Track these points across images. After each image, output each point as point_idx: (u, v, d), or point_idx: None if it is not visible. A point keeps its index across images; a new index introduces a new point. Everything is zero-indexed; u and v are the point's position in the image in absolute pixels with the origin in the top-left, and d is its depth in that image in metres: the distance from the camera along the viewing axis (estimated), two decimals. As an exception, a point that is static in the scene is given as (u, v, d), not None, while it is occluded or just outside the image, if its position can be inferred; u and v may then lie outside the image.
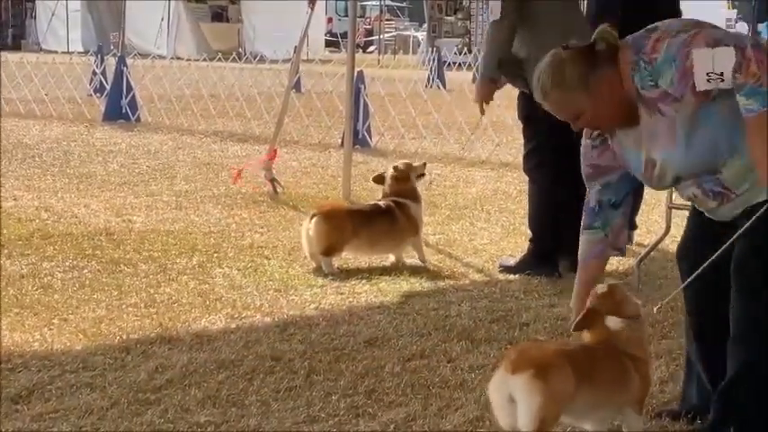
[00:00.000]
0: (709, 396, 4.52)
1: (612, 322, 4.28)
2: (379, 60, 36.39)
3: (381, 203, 7.62)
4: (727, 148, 4.07)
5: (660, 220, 8.17)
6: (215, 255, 7.71)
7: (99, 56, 20.18)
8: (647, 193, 8.11)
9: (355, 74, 11.39)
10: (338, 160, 11.89)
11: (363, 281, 7.07)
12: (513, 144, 13.90)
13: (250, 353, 5.48)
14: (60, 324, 5.93)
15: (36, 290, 6.62)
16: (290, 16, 33.37)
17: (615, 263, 7.79)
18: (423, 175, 7.87)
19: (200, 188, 10.59)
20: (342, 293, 6.79)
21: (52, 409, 4.66)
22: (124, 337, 5.73)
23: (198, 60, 25.03)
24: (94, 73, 19.88)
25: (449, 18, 42.29)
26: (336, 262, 7.38)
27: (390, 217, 7.47)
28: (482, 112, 7.44)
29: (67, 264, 7.28)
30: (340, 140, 13.01)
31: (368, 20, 49.87)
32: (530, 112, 7.14)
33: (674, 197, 7.02)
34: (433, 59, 25.96)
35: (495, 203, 10.16)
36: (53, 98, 17.85)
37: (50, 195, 9.94)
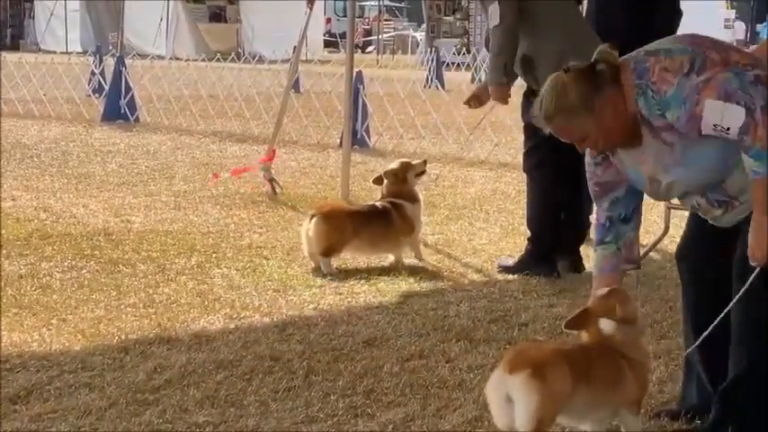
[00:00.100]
0: (708, 396, 4.52)
1: (605, 325, 4.29)
2: (377, 60, 36.39)
3: (378, 204, 7.62)
4: (732, 162, 4.07)
5: (659, 221, 8.17)
6: (214, 255, 7.70)
7: (97, 56, 20.18)
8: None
9: (354, 74, 11.39)
10: (337, 160, 11.89)
11: (362, 281, 7.07)
12: (512, 144, 13.90)
13: (249, 353, 5.48)
14: (59, 324, 5.93)
15: (35, 290, 6.61)
16: (288, 16, 33.39)
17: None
18: (423, 172, 7.86)
19: (198, 188, 10.58)
20: (340, 294, 6.79)
21: (51, 410, 4.66)
22: (123, 337, 5.73)
23: (196, 61, 25.03)
24: (93, 73, 19.86)
25: (447, 18, 42.32)
26: (335, 262, 7.38)
27: (387, 218, 7.48)
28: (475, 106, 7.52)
29: (66, 264, 7.28)
30: (339, 140, 13.01)
31: (366, 20, 49.88)
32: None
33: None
34: (432, 60, 25.95)
35: (493, 203, 10.16)
36: (51, 98, 17.85)
37: (49, 195, 9.94)
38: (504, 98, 7.45)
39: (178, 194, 10.20)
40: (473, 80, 25.64)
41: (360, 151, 13.37)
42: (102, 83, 18.37)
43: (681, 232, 4.76)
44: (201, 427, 4.54)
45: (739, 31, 42.88)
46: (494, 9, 7.14)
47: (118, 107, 16.61)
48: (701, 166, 4.11)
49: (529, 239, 7.56)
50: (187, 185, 10.74)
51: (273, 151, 10.72)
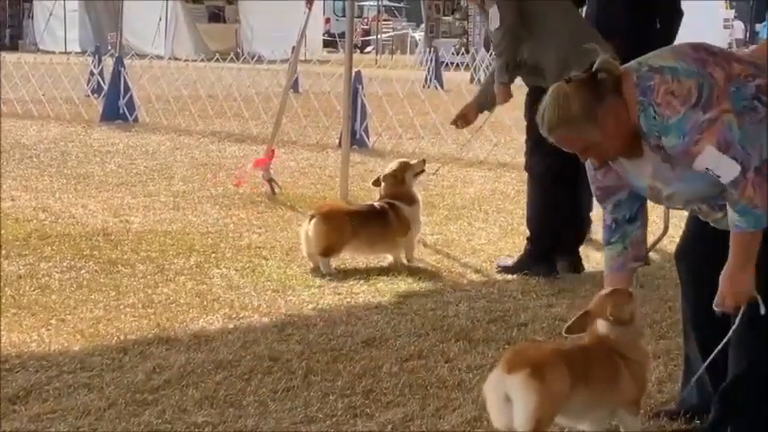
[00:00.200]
0: (707, 396, 4.52)
1: (599, 325, 4.30)
2: (376, 60, 36.39)
3: (376, 205, 7.63)
4: None
5: (658, 221, 8.17)
6: (213, 255, 7.70)
7: (96, 56, 20.17)
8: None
9: (353, 74, 11.39)
10: (336, 160, 11.89)
11: (361, 281, 7.07)
12: (512, 144, 13.91)
13: (248, 353, 5.48)
14: (58, 324, 5.93)
15: (34, 290, 6.61)
16: (287, 16, 33.38)
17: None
18: (422, 172, 7.85)
19: (197, 188, 10.58)
20: (339, 294, 6.79)
21: (50, 410, 4.66)
22: (122, 337, 5.73)
23: (195, 61, 25.03)
24: (92, 73, 19.86)
25: (446, 18, 42.31)
26: (334, 262, 7.38)
27: (385, 218, 7.48)
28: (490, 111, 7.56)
29: (65, 264, 7.28)
30: (338, 141, 13.00)
31: (365, 20, 49.87)
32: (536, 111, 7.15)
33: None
34: (431, 60, 25.94)
35: (493, 204, 10.16)
36: (50, 98, 17.84)
37: (48, 196, 9.94)
38: (506, 98, 7.46)
39: (177, 195, 10.20)
40: (472, 80, 25.63)
41: (359, 151, 13.37)
42: (101, 83, 18.37)
43: (680, 232, 4.76)
44: (200, 427, 4.54)
45: (738, 30, 42.91)
46: (494, 12, 7.14)
47: (117, 107, 16.60)
48: (700, 183, 4.11)
49: (528, 239, 7.56)
50: (186, 186, 10.74)
51: (273, 151, 10.72)
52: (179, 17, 38.02)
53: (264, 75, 19.88)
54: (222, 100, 17.18)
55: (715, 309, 4.15)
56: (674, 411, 4.71)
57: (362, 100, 14.43)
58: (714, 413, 4.42)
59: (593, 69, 4.16)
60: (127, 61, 18.05)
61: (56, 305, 6.31)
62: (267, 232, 8.59)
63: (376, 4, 49.03)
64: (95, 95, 18.56)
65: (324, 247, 7.28)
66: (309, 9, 11.43)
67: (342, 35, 37.27)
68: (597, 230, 8.61)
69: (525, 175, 7.80)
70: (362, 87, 14.59)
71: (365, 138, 14.43)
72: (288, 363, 5.36)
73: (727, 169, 3.96)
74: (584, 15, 8.17)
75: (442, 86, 21.53)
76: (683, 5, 8.29)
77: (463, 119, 7.59)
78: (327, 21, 46.71)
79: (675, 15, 8.21)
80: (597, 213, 8.49)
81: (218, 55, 24.79)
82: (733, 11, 42.41)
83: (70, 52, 28.87)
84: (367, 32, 48.25)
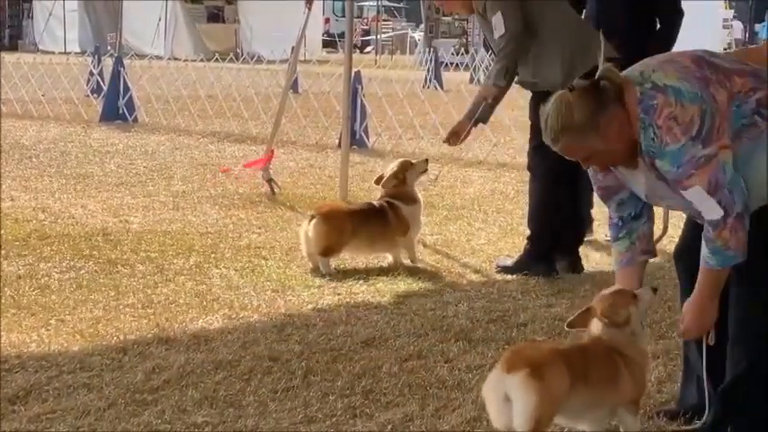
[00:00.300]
0: (708, 396, 4.51)
1: (593, 325, 4.31)
2: (376, 61, 36.41)
3: (376, 203, 7.62)
4: None
5: (658, 221, 8.11)
6: (212, 255, 7.70)
7: (96, 56, 20.18)
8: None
9: (352, 74, 11.38)
10: (335, 161, 11.89)
11: (360, 281, 7.07)
12: (511, 144, 13.91)
13: (247, 353, 5.48)
14: (57, 325, 5.93)
15: (33, 290, 6.61)
16: (287, 17, 33.37)
17: (613, 263, 7.79)
18: (425, 171, 7.84)
19: (197, 189, 10.58)
20: (339, 294, 6.79)
21: (49, 410, 4.66)
22: (121, 337, 5.73)
23: (195, 61, 25.02)
24: (91, 73, 19.87)
25: (446, 18, 42.31)
26: (333, 263, 7.38)
27: (384, 217, 7.48)
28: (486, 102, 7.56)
29: (65, 264, 7.28)
30: (337, 141, 13.00)
31: (365, 20, 49.89)
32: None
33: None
34: (431, 60, 25.95)
35: (492, 204, 10.16)
36: (50, 99, 17.85)
37: (47, 196, 9.94)
38: (497, 99, 7.45)
39: (176, 195, 10.19)
40: (471, 80, 25.65)
41: (358, 151, 13.38)
42: (101, 83, 18.37)
43: (679, 232, 4.76)
44: (200, 427, 4.54)
45: (737, 30, 42.92)
46: (497, 19, 7.11)
47: (116, 107, 16.60)
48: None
49: (528, 238, 7.56)
50: (185, 186, 10.74)
51: (272, 151, 10.72)
52: (178, 17, 38.03)
53: (264, 75, 19.88)
54: (222, 100, 17.18)
55: (677, 337, 4.25)
56: (674, 411, 4.72)
57: (362, 100, 14.43)
58: (713, 413, 4.42)
59: (596, 77, 4.17)
60: (126, 61, 18.05)
61: (55, 305, 6.30)
62: (267, 232, 8.59)
63: (375, 4, 49.06)
64: (95, 96, 18.57)
65: (324, 246, 7.28)
66: (309, 9, 11.43)
67: (341, 35, 37.29)
68: (597, 231, 8.63)
69: (525, 175, 7.80)
70: (362, 87, 14.59)
71: (365, 138, 14.44)
72: (287, 363, 5.36)
73: (710, 210, 4.05)
74: (584, 16, 8.17)
75: (441, 87, 21.52)
76: (683, 5, 8.29)
77: (455, 136, 7.57)
78: (327, 21, 46.73)
79: (676, 16, 8.22)
80: (597, 213, 8.51)
81: (217, 55, 24.79)
82: (732, 11, 42.42)
83: (70, 52, 28.89)
84: (366, 32, 48.27)
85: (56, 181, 10.83)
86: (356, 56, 24.98)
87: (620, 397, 4.27)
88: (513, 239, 8.40)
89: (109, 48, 29.45)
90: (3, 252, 7.54)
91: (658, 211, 8.03)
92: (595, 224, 8.66)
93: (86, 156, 12.81)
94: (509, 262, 7.52)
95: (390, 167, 7.77)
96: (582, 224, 8.04)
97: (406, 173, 7.67)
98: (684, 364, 4.78)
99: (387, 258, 7.62)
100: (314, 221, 7.31)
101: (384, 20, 49.09)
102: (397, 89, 16.40)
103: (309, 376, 5.18)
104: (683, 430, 4.61)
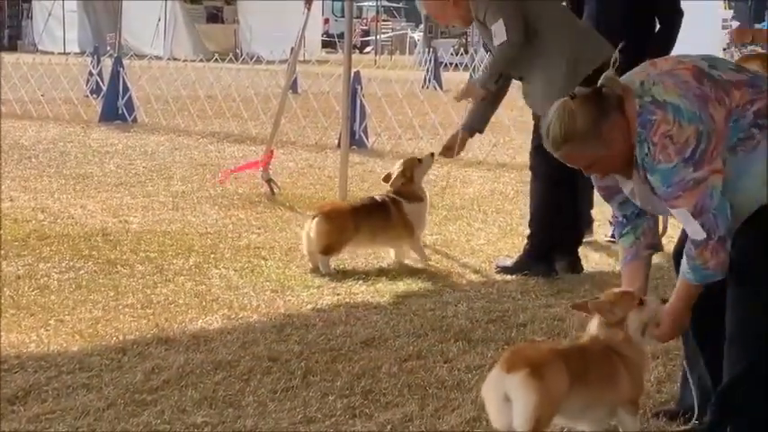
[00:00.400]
0: (706, 396, 4.52)
1: (591, 324, 4.32)
2: (375, 61, 36.40)
3: (378, 197, 7.61)
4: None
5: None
6: (212, 255, 7.70)
7: (95, 57, 20.16)
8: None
9: (352, 74, 11.38)
10: (335, 161, 11.88)
11: (360, 281, 7.07)
12: (510, 144, 13.91)
13: (247, 353, 5.48)
14: (57, 325, 5.93)
15: (32, 291, 6.61)
16: (286, 17, 33.37)
17: (613, 263, 7.80)
18: (430, 165, 7.78)
19: (196, 189, 10.58)
20: (338, 294, 6.79)
21: (49, 410, 4.66)
22: (121, 337, 5.73)
23: (194, 61, 25.02)
24: (91, 74, 19.87)
25: (445, 19, 42.20)
26: (333, 262, 7.38)
27: (385, 211, 7.47)
28: (458, 100, 7.63)
29: (64, 265, 7.28)
30: (337, 141, 13.00)
31: (365, 20, 49.88)
32: None
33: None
34: (430, 60, 25.95)
35: (492, 204, 10.16)
36: (50, 99, 17.84)
37: (47, 196, 9.93)
38: (478, 98, 7.48)
39: (176, 195, 10.19)
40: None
41: (358, 152, 13.38)
42: (100, 83, 18.36)
43: (679, 232, 4.76)
44: (199, 427, 4.54)
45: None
46: (498, 27, 7.09)
47: (116, 108, 16.59)
48: None
49: (528, 238, 7.55)
50: (185, 186, 10.74)
51: (271, 152, 10.72)
52: (178, 18, 38.02)
53: (263, 75, 19.87)
54: (221, 100, 17.18)
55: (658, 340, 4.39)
56: (674, 411, 4.72)
57: (361, 100, 14.43)
58: (712, 414, 4.41)
59: (598, 85, 4.17)
60: (126, 62, 18.04)
61: (55, 305, 6.30)
62: (266, 232, 8.58)
63: (375, 4, 49.04)
64: (94, 96, 18.57)
65: (324, 245, 7.27)
66: (308, 9, 11.42)
67: (341, 35, 37.26)
68: (597, 231, 8.62)
69: (524, 175, 7.80)
70: (361, 88, 14.60)
71: (364, 138, 14.43)
72: (287, 363, 5.36)
73: (694, 231, 4.10)
74: (584, 16, 8.17)
75: (441, 87, 21.55)
76: (682, 5, 8.29)
77: (449, 151, 7.58)
78: (326, 21, 46.71)
79: (675, 16, 8.22)
80: (597, 214, 8.51)
81: (216, 55, 24.78)
82: (731, 11, 42.42)
83: (69, 53, 28.89)
84: (366, 33, 48.26)
85: (55, 181, 10.82)
86: (355, 56, 24.96)
87: (618, 397, 4.27)
88: (513, 240, 8.40)
89: (108, 48, 29.44)
90: (2, 252, 7.54)
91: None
92: (595, 225, 8.66)
93: (86, 156, 12.81)
94: (508, 262, 7.52)
95: (398, 165, 7.73)
96: (582, 224, 8.04)
97: (413, 170, 7.64)
98: (684, 365, 4.78)
99: (386, 258, 7.62)
100: (316, 220, 7.31)
101: (383, 20, 49.08)
102: (396, 89, 16.40)
103: (309, 376, 5.18)
104: (682, 431, 4.61)
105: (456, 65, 29.38)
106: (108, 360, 5.34)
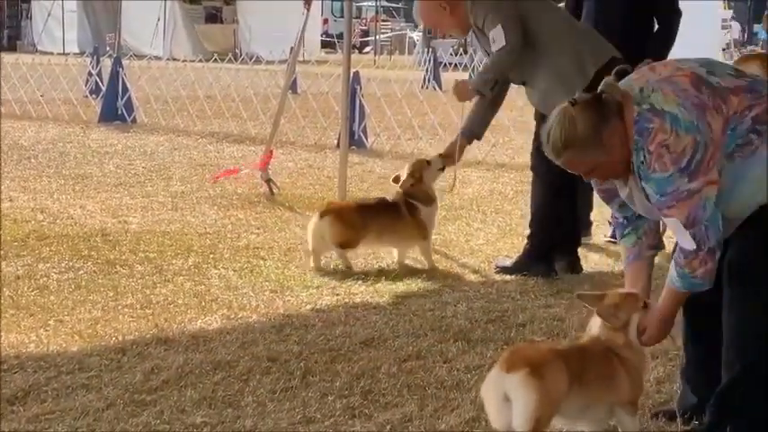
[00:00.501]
0: (705, 396, 4.52)
1: (592, 324, 4.32)
2: (375, 61, 36.42)
3: (388, 198, 7.58)
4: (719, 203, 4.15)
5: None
6: (211, 256, 7.70)
7: (95, 57, 20.17)
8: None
9: (351, 75, 11.38)
10: (334, 161, 11.89)
11: (359, 281, 7.07)
12: (510, 145, 13.91)
13: (246, 354, 5.48)
14: (56, 325, 5.93)
15: (32, 291, 6.61)
16: (285, 17, 33.39)
17: (612, 263, 7.80)
18: (443, 168, 7.67)
19: (196, 189, 10.58)
20: (338, 294, 6.79)
21: (48, 411, 4.66)
22: (120, 338, 5.73)
23: (194, 61, 25.02)
24: (90, 74, 19.88)
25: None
26: (332, 263, 7.38)
27: (395, 212, 7.43)
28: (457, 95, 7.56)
29: (63, 265, 7.28)
30: (336, 141, 13.00)
31: (364, 20, 49.89)
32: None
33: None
34: (429, 60, 25.96)
35: (491, 204, 10.16)
36: (49, 99, 17.84)
37: (46, 197, 9.93)
38: (467, 99, 7.48)
39: (175, 195, 10.19)
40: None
41: (357, 152, 13.38)
42: (100, 84, 18.37)
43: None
44: (199, 427, 4.54)
45: (735, 31, 42.97)
46: (497, 32, 7.08)
47: (115, 108, 16.60)
48: None
49: (528, 237, 7.55)
50: (184, 186, 10.74)
51: (271, 152, 10.72)
52: (177, 18, 38.03)
53: (263, 75, 19.87)
54: (220, 101, 17.18)
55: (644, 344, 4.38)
56: (673, 412, 4.71)
57: (361, 100, 14.43)
58: (710, 415, 4.42)
59: (598, 91, 4.18)
60: (125, 62, 18.05)
61: (54, 306, 6.30)
62: (265, 233, 8.58)
63: (374, 4, 49.07)
64: (94, 96, 18.58)
65: (340, 241, 7.26)
66: (308, 10, 11.45)
67: (340, 36, 37.27)
68: (596, 233, 8.62)
69: (523, 175, 7.80)
70: (361, 88, 14.60)
71: (363, 138, 14.44)
72: (286, 363, 5.36)
73: (685, 241, 4.13)
74: (582, 17, 8.17)
75: (440, 87, 21.53)
76: (681, 5, 8.30)
77: (449, 159, 7.57)
78: (325, 21, 46.75)
79: (674, 16, 8.23)
80: (596, 215, 8.51)
81: (216, 56, 24.79)
82: (731, 11, 42.46)
83: (68, 53, 28.93)
84: (365, 33, 48.27)
85: (54, 181, 10.82)
86: (355, 56, 24.96)
87: (617, 397, 4.27)
88: (512, 240, 8.40)
89: (108, 48, 29.46)
90: (2, 252, 7.54)
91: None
92: (594, 226, 8.66)
93: (85, 156, 12.81)
94: (508, 262, 7.52)
95: (407, 168, 7.66)
96: (582, 225, 8.04)
97: (422, 172, 7.58)
98: (683, 365, 4.79)
99: (386, 259, 7.62)
100: (327, 217, 7.28)
101: (383, 20, 49.11)
102: (395, 89, 16.40)
103: (308, 376, 5.18)
104: (681, 431, 4.62)
105: (455, 65, 29.38)
106: (107, 360, 5.34)
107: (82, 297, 6.51)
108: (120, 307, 6.33)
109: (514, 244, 8.14)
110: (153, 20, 37.26)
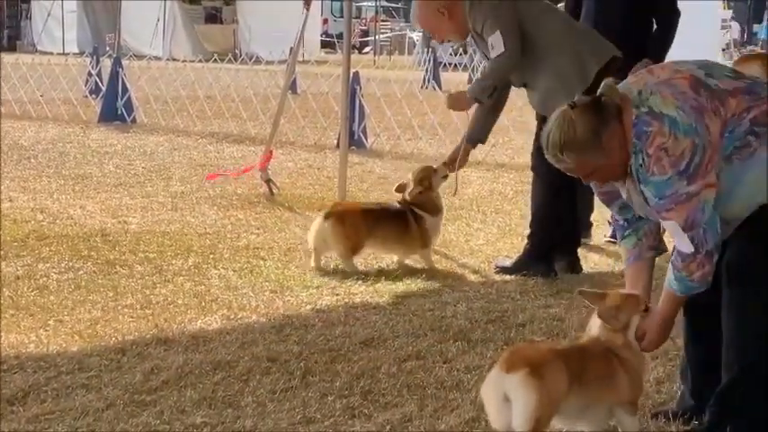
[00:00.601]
0: (705, 397, 4.52)
1: (592, 325, 4.32)
2: (374, 61, 36.42)
3: (395, 204, 7.53)
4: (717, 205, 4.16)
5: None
6: (211, 256, 7.70)
7: (94, 57, 20.17)
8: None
9: (351, 75, 11.38)
10: (334, 161, 11.89)
11: (359, 281, 7.07)
12: (509, 145, 13.91)
13: (246, 354, 5.48)
14: (56, 325, 5.93)
15: (32, 291, 6.61)
16: (285, 17, 33.35)
17: (612, 263, 7.81)
18: (446, 176, 7.64)
19: (195, 189, 10.58)
20: (338, 294, 6.79)
21: (48, 411, 4.66)
22: (120, 338, 5.73)
23: (193, 62, 25.02)
24: (90, 74, 19.88)
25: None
26: (332, 263, 7.38)
27: (402, 220, 7.39)
28: (449, 107, 7.59)
29: (63, 265, 7.27)
30: (336, 141, 13.01)
31: (364, 21, 49.88)
32: None
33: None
34: (429, 60, 25.97)
35: (491, 204, 10.16)
36: (49, 99, 17.84)
37: (46, 197, 9.93)
38: (465, 109, 7.48)
39: (175, 195, 10.19)
40: (470, 81, 25.55)
41: (357, 152, 13.38)
42: (99, 84, 18.37)
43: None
44: (199, 427, 4.54)
45: (735, 31, 42.97)
46: (496, 38, 7.07)
47: (115, 108, 16.60)
48: None
49: (528, 237, 7.55)
50: (184, 186, 10.74)
51: (271, 152, 10.72)
52: (177, 18, 38.03)
53: (262, 75, 19.87)
54: (220, 101, 17.18)
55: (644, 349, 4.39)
56: (673, 412, 4.72)
57: (360, 101, 14.44)
58: (710, 416, 4.42)
59: (597, 94, 4.18)
60: (125, 62, 18.05)
61: (54, 306, 6.30)
62: (265, 233, 8.58)
63: (374, 4, 49.05)
64: (93, 96, 18.58)
65: (345, 246, 7.25)
66: (307, 10, 11.43)
67: (340, 36, 37.27)
68: (596, 233, 8.62)
69: (523, 175, 7.80)
70: (360, 88, 14.60)
71: (363, 138, 14.44)
72: (286, 363, 5.36)
73: (683, 244, 4.13)
74: (581, 17, 8.17)
75: (440, 87, 21.56)
76: (681, 5, 8.30)
77: (453, 164, 7.56)
78: (325, 21, 46.73)
79: (673, 16, 8.23)
80: (596, 216, 8.51)
81: (215, 56, 24.80)
82: (731, 11, 42.47)
83: (68, 53, 28.92)
84: (365, 33, 48.26)
85: (54, 182, 10.82)
86: (355, 56, 24.97)
87: (617, 397, 4.27)
88: (512, 240, 8.40)
89: (107, 48, 29.46)
90: (2, 253, 7.54)
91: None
92: (593, 227, 8.65)
93: (85, 156, 12.81)
94: (508, 262, 7.52)
95: (412, 175, 7.60)
96: (581, 226, 8.04)
97: (431, 179, 7.52)
98: (683, 365, 4.79)
99: (385, 259, 7.62)
100: (330, 221, 7.26)
101: (382, 20, 49.10)
102: (395, 89, 16.41)
103: (308, 377, 5.18)
104: (681, 431, 4.62)
105: (455, 65, 29.39)
106: (107, 360, 5.34)
107: (82, 297, 6.51)
108: (119, 307, 6.33)
109: (514, 244, 8.14)
110: (153, 20, 37.26)
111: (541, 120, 7.21)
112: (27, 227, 8.49)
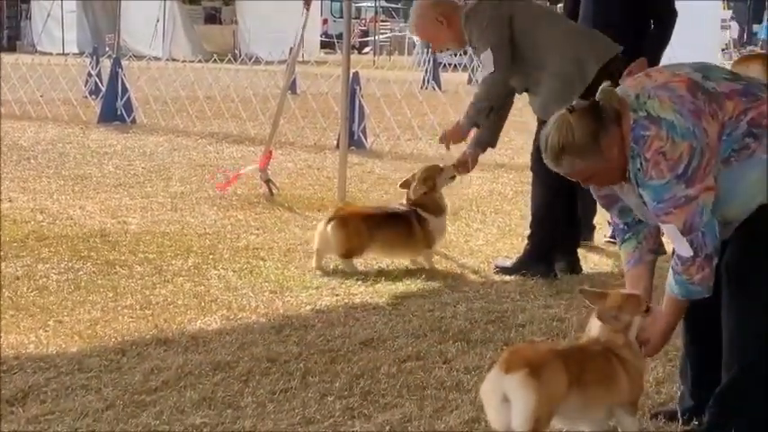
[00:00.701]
0: (705, 397, 4.52)
1: (592, 325, 4.33)
2: (374, 62, 36.41)
3: (401, 208, 7.51)
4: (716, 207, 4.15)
5: (656, 221, 8.15)
6: (210, 256, 7.70)
7: (94, 57, 20.17)
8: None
9: (351, 75, 11.39)
10: (334, 161, 11.89)
11: (359, 282, 7.07)
12: (509, 145, 13.90)
13: (245, 354, 5.48)
14: (56, 326, 5.93)
15: (31, 292, 6.61)
16: (285, 18, 33.35)
17: (612, 264, 7.80)
18: (453, 177, 7.64)
19: (195, 189, 10.58)
20: (337, 295, 6.79)
21: (48, 411, 4.65)
22: (119, 338, 5.73)
23: (193, 62, 25.02)
24: (90, 74, 19.89)
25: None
26: (332, 263, 7.38)
27: (406, 224, 7.38)
28: (447, 148, 7.53)
29: (63, 265, 7.27)
30: (335, 142, 13.00)
31: (363, 21, 49.88)
32: None
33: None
34: (429, 61, 25.97)
35: (490, 204, 10.16)
36: (48, 100, 17.84)
37: (46, 197, 9.93)
38: (462, 140, 7.51)
39: (175, 196, 10.19)
40: (470, 81, 25.62)
41: (356, 152, 13.37)
42: (99, 84, 18.37)
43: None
44: (198, 428, 4.54)
45: (735, 31, 42.97)
46: (486, 56, 7.08)
47: (114, 108, 16.60)
48: None
49: (529, 238, 7.55)
50: (184, 187, 10.74)
51: (270, 152, 10.72)
52: (176, 18, 38.04)
53: (262, 76, 19.88)
54: (220, 101, 17.18)
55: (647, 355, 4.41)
56: (673, 412, 4.72)
57: (360, 101, 14.43)
58: (710, 416, 4.42)
59: (595, 98, 4.19)
60: (124, 62, 18.05)
61: (53, 306, 6.30)
62: (265, 233, 8.58)
63: (374, 5, 49.04)
64: (93, 97, 18.58)
65: (346, 249, 7.25)
66: (307, 10, 11.44)
67: (339, 36, 37.26)
68: (596, 235, 8.62)
69: (523, 176, 7.80)
70: (360, 88, 14.60)
71: (363, 139, 14.44)
72: (286, 364, 5.36)
73: (682, 248, 4.13)
74: (579, 17, 8.17)
75: (439, 87, 21.55)
76: (681, 5, 8.30)
77: (463, 167, 7.56)
78: (325, 22, 46.72)
79: (671, 16, 8.23)
80: (598, 217, 8.51)
81: (215, 56, 24.81)
82: (730, 11, 42.47)
83: (68, 53, 28.92)
84: (365, 33, 48.26)
85: (54, 182, 10.82)
86: (354, 57, 24.96)
87: (617, 398, 4.27)
88: (512, 240, 8.40)
89: (107, 49, 29.41)
90: (1, 253, 7.54)
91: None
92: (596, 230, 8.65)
93: (84, 157, 12.81)
94: (507, 263, 7.52)
95: (417, 172, 7.59)
96: (584, 228, 8.05)
97: (435, 179, 7.51)
98: (682, 365, 4.79)
99: (385, 259, 7.62)
100: (332, 224, 7.27)
101: (382, 21, 49.08)
102: (395, 90, 16.41)
103: (308, 377, 5.18)
104: (681, 431, 4.62)
105: (455, 65, 29.39)
106: (107, 361, 5.34)
107: (81, 298, 6.51)
108: (119, 308, 6.33)
109: (514, 244, 8.14)
110: (152, 20, 37.26)
111: (541, 121, 7.21)
112: (27, 227, 8.49)
